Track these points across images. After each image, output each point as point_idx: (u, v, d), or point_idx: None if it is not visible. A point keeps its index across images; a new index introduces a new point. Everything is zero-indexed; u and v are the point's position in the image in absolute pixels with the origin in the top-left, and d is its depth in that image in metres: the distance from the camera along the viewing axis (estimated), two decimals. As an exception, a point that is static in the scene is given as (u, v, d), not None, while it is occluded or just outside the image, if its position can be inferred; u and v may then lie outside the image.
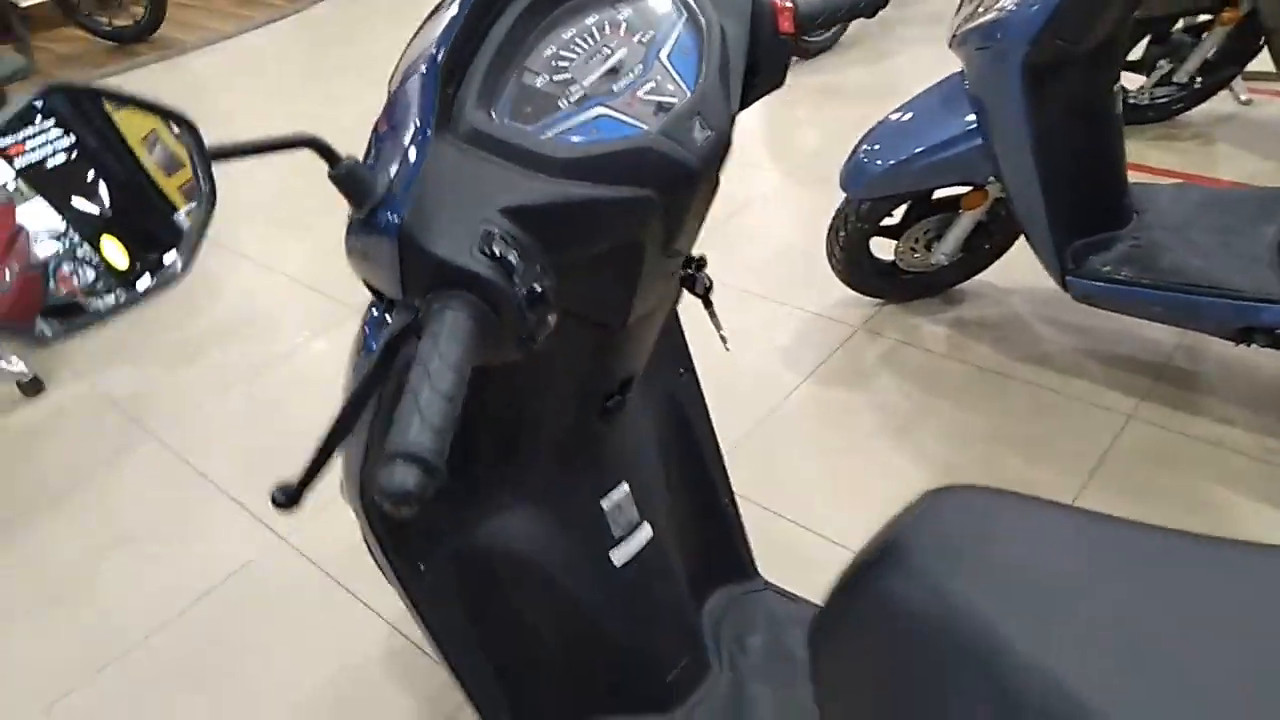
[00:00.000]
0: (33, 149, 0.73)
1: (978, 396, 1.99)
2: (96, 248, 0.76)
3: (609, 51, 0.71)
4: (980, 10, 1.68)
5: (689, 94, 0.70)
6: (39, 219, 0.74)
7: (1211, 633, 0.60)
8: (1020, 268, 2.11)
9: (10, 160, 0.70)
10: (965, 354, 2.11)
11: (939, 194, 2.07)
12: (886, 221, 2.10)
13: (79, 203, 0.76)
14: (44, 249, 0.75)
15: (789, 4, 0.79)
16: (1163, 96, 2.70)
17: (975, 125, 1.79)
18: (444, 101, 0.64)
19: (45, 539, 1.99)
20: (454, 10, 0.67)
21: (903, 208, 2.09)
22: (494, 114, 0.65)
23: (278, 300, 2.74)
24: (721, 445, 1.86)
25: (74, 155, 0.75)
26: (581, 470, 1.01)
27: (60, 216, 0.74)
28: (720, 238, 2.66)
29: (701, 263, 0.94)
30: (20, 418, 2.40)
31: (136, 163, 0.77)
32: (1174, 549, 0.67)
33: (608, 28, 0.72)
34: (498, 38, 0.67)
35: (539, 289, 0.61)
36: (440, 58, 0.63)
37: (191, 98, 4.48)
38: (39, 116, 0.63)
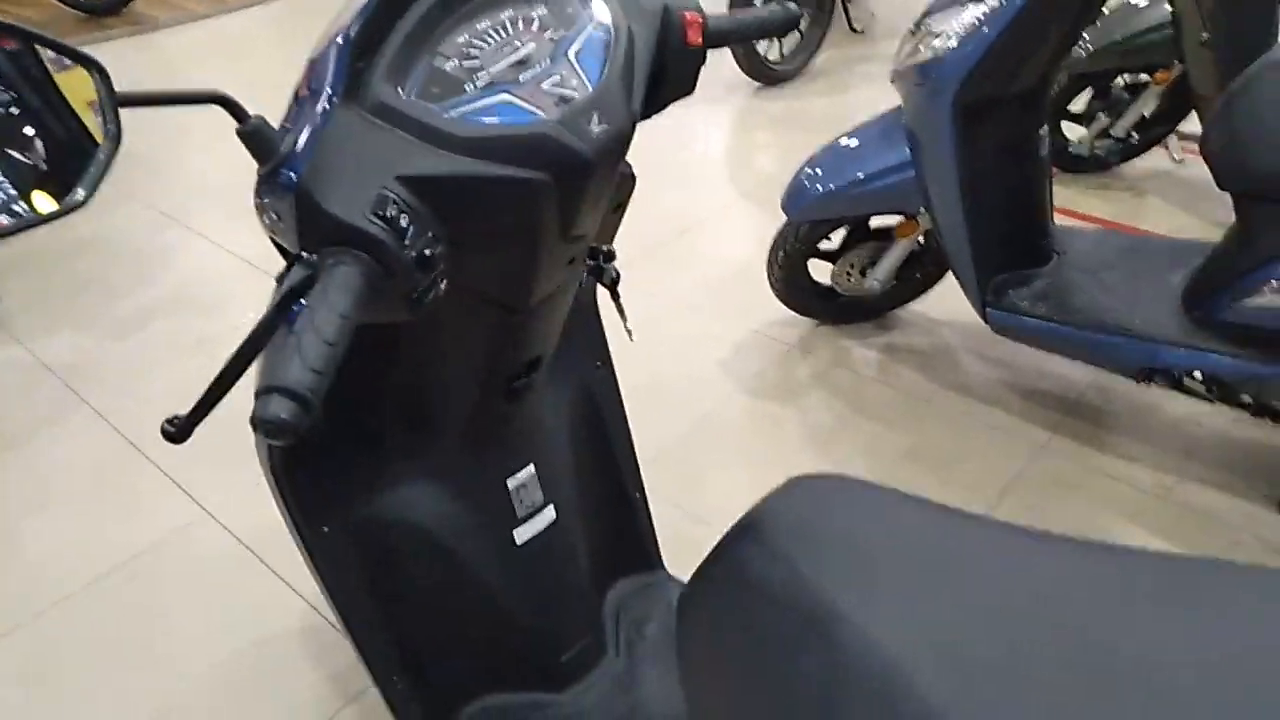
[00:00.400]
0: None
1: (900, 418, 2.07)
2: (27, 199, 0.79)
3: (519, 44, 0.76)
4: (919, 49, 1.77)
5: (590, 90, 0.75)
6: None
7: (1038, 620, 0.65)
8: (953, 298, 2.20)
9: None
10: (892, 378, 2.18)
11: (876, 222, 2.15)
12: (825, 245, 2.18)
13: (13, 154, 0.80)
14: None
15: (699, 18, 0.85)
16: (1100, 149, 2.82)
17: (910, 158, 1.88)
18: (354, 73, 0.69)
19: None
20: None
21: (841, 232, 2.17)
22: (401, 90, 0.70)
23: (227, 279, 2.75)
24: (649, 450, 1.91)
25: (11, 110, 0.78)
26: (488, 448, 1.05)
27: (-7, 167, 0.78)
28: (670, 252, 2.73)
29: (610, 255, 0.99)
30: (-47, 378, 2.39)
31: (81, 125, 0.81)
32: (1008, 540, 0.73)
33: (521, 23, 0.77)
34: (413, 19, 0.72)
35: (429, 254, 0.66)
36: (353, 33, 0.68)
37: (161, 75, 4.47)
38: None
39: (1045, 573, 0.68)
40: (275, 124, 0.73)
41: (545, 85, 0.74)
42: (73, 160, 0.78)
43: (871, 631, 0.66)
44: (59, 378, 2.34)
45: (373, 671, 1.07)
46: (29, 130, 0.81)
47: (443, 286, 0.68)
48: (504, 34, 0.76)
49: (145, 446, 2.09)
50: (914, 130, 1.85)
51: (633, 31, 0.79)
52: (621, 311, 1.13)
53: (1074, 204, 2.74)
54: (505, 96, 0.72)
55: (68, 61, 0.81)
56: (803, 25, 3.82)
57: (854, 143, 2.02)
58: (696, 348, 2.34)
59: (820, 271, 2.25)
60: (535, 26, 0.77)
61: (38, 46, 0.72)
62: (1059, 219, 2.03)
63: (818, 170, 2.03)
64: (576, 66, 0.76)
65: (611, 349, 1.23)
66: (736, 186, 3.14)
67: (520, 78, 0.74)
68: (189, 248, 2.90)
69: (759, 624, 0.73)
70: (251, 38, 4.85)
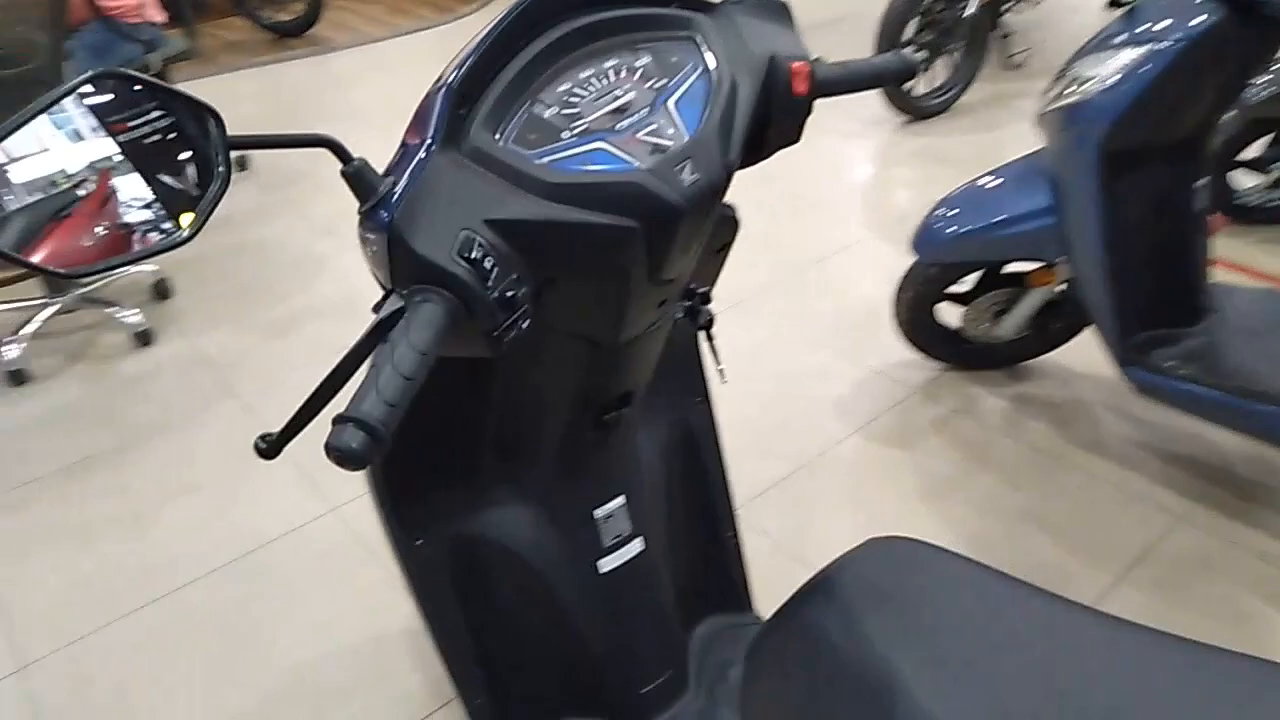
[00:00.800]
0: (134, 127, 0.85)
1: (1024, 475, 1.97)
2: (177, 222, 0.87)
3: (620, 93, 0.77)
4: (1066, 91, 1.69)
5: (686, 139, 0.76)
6: (133, 189, 0.86)
7: (1094, 710, 0.62)
8: (1094, 349, 2.08)
9: (115, 135, 0.82)
10: (1019, 431, 2.08)
11: (1012, 267, 2.06)
12: (955, 288, 2.10)
13: (167, 179, 0.88)
14: (134, 216, 0.86)
15: (806, 68, 0.84)
16: (1274, 200, 2.61)
17: (1051, 204, 1.79)
18: (455, 120, 0.72)
19: (130, 473, 2.17)
20: (480, 37, 0.75)
21: (973, 276, 2.10)
22: (499, 136, 0.73)
23: (371, 292, 2.89)
24: (759, 484, 1.88)
25: (169, 136, 0.86)
26: (578, 478, 1.07)
27: (150, 190, 0.86)
28: (797, 283, 2.70)
29: (706, 297, 1.00)
30: (129, 364, 2.62)
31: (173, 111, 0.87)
32: (1082, 624, 0.69)
33: (624, 71, 0.79)
34: (516, 68, 0.75)
35: (512, 295, 0.68)
36: (455, 81, 0.72)
37: (329, 88, 4.79)
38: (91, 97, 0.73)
39: (1110, 661, 0.65)
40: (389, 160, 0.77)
41: (642, 134, 0.75)
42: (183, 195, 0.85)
43: (927, 706, 0.64)
44: (216, 371, 2.53)
45: (456, 682, 1.10)
46: (182, 156, 0.89)
47: (525, 325, 0.71)
48: (606, 82, 0.78)
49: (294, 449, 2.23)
50: (1057, 176, 1.77)
51: (735, 82, 0.79)
52: (715, 353, 1.13)
53: (1241, 258, 2.54)
54: (600, 144, 0.74)
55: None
56: (954, 59, 3.72)
57: (992, 184, 1.95)
58: (816, 384, 2.30)
59: (950, 315, 2.18)
60: (638, 75, 0.79)
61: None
62: (1220, 273, 1.89)
63: (952, 211, 1.97)
64: (675, 116, 0.77)
65: (719, 382, 1.23)
66: (870, 221, 3.08)
67: (617, 126, 0.76)
68: (340, 259, 3.08)
69: (819, 685, 0.72)
70: (415, 59, 5.14)
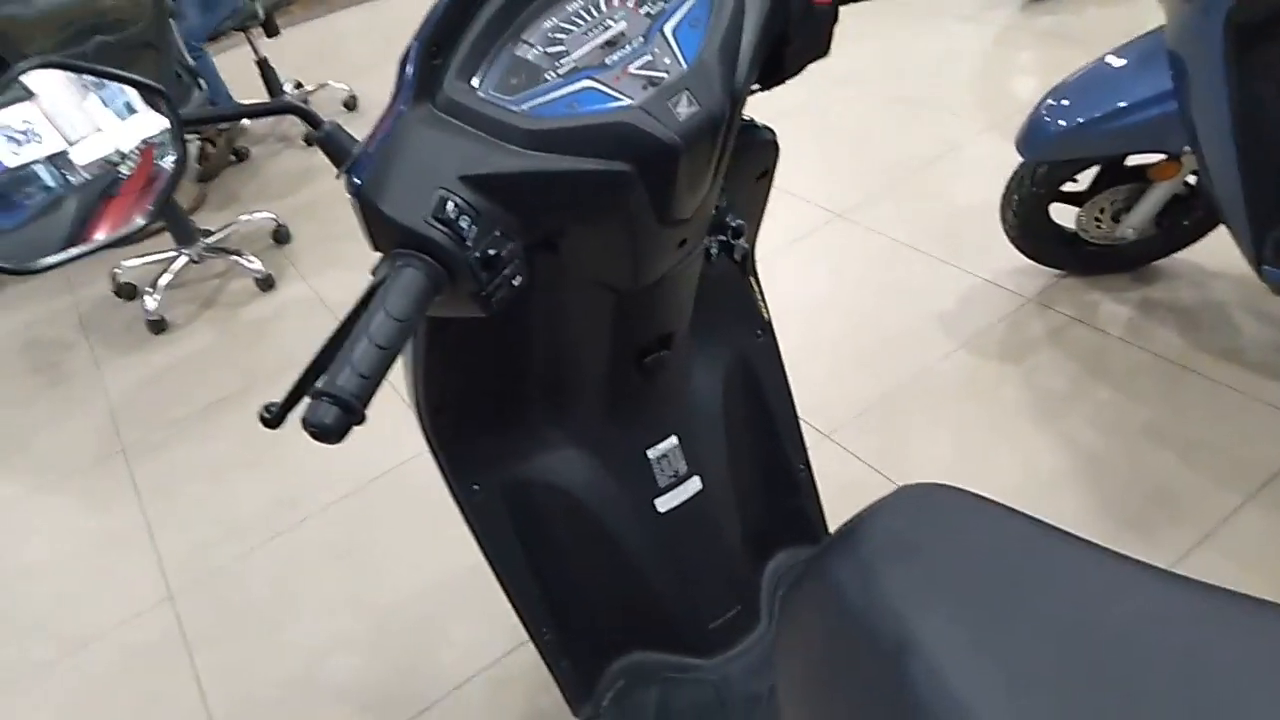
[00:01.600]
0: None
1: (1147, 386, 1.82)
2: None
3: (610, 24, 0.71)
4: (1189, -43, 1.49)
5: (683, 69, 0.70)
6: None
7: (1119, 656, 0.57)
8: (1225, 250, 1.88)
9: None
10: (1144, 339, 1.92)
11: (1133, 160, 1.87)
12: (1070, 187, 1.93)
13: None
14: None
15: (824, -25, 0.76)
16: None
17: (1172, 88, 1.61)
18: (428, 72, 0.67)
19: (256, 414, 2.32)
20: None
21: (1089, 172, 1.92)
22: (476, 84, 0.68)
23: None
24: (855, 403, 1.81)
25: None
26: (627, 420, 1.06)
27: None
28: (908, 188, 2.56)
29: (738, 230, 0.94)
30: (254, 309, 2.78)
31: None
32: (1130, 582, 0.63)
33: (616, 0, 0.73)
34: (494, 6, 0.69)
35: (495, 253, 0.65)
36: (427, 30, 0.67)
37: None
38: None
39: (1154, 620, 0.60)
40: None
41: (634, 67, 0.70)
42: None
43: (944, 668, 0.61)
44: (333, 313, 2.65)
45: (524, 622, 1.14)
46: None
47: (516, 283, 0.68)
48: (596, 13, 0.71)
49: (393, 378, 2.32)
50: (1178, 55, 1.58)
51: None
52: (760, 294, 1.07)
53: None
54: (587, 83, 0.69)
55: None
56: (1088, -77, 3.35)
57: (1106, 70, 1.76)
58: (918, 295, 2.19)
59: (1065, 215, 2.01)
60: (630, 2, 0.73)
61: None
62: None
63: (1062, 102, 1.79)
64: (672, 44, 0.71)
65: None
66: (985, 115, 2.85)
67: (607, 60, 0.70)
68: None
69: (837, 644, 0.70)
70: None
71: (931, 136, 2.77)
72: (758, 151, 0.94)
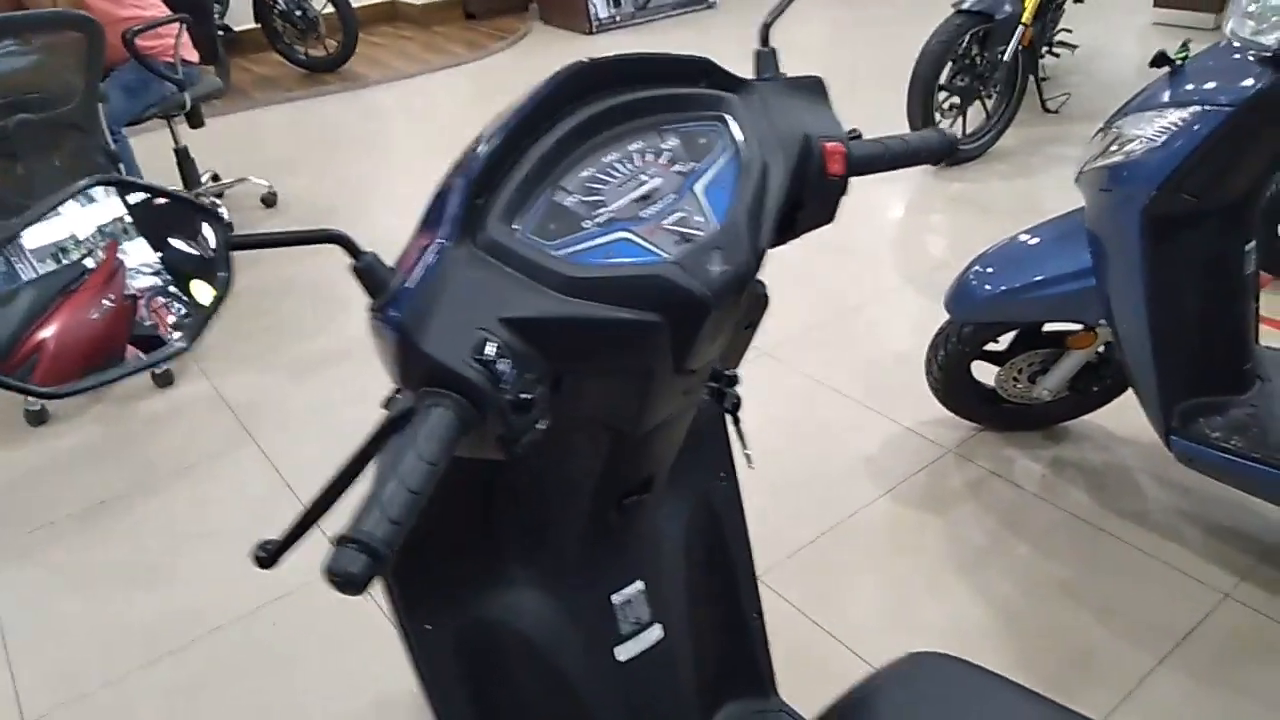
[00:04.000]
0: (141, 187, 0.82)
1: (1062, 543, 1.89)
2: (185, 288, 0.83)
3: (645, 179, 0.73)
4: (1109, 150, 1.64)
5: (715, 227, 0.71)
6: (140, 254, 0.83)
7: None
8: (1136, 415, 2.00)
9: (125, 198, 0.79)
10: (1057, 497, 2.01)
11: (1050, 326, 2.00)
12: (991, 347, 2.04)
13: (176, 243, 0.84)
14: (140, 282, 0.83)
15: (841, 148, 0.80)
16: (1323, 255, 2.52)
17: (1091, 264, 1.73)
18: (472, 211, 0.68)
19: (147, 517, 2.15)
20: (499, 124, 0.71)
21: (1009, 335, 2.03)
22: (517, 227, 0.69)
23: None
24: (783, 550, 1.81)
25: (168, 205, 0.83)
26: (596, 562, 1.02)
27: (157, 254, 0.83)
28: (825, 334, 2.65)
29: (733, 379, 0.95)
30: (149, 405, 2.62)
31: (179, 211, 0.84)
32: None
33: (649, 155, 0.75)
34: (536, 156, 0.71)
35: (528, 397, 0.64)
36: (475, 171, 0.68)
37: (362, 124, 4.82)
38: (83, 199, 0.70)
39: None
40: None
41: (668, 222, 0.71)
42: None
43: None
44: (235, 414, 2.51)
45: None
46: (190, 219, 0.85)
47: (541, 427, 0.66)
48: (631, 167, 0.74)
49: (300, 489, 2.20)
50: (1098, 237, 1.71)
51: (766, 164, 0.75)
52: (741, 437, 1.07)
53: (1286, 316, 2.46)
54: (623, 234, 0.70)
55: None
56: (989, 104, 3.67)
57: (1030, 243, 1.89)
58: (844, 440, 2.24)
59: (984, 373, 2.11)
60: (664, 160, 0.75)
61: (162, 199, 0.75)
62: (1267, 333, 1.81)
63: (988, 269, 1.91)
64: (703, 202, 0.73)
65: (754, 430, 1.17)
66: (902, 270, 3.02)
67: (642, 214, 0.71)
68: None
69: None
70: (447, 95, 5.17)
71: (856, 286, 2.90)
72: (751, 304, 0.95)
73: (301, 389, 2.62)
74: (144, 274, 0.83)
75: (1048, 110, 3.96)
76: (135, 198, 0.80)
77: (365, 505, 0.57)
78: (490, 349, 0.63)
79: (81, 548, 2.09)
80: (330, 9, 5.24)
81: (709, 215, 0.72)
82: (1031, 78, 3.77)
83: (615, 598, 1.04)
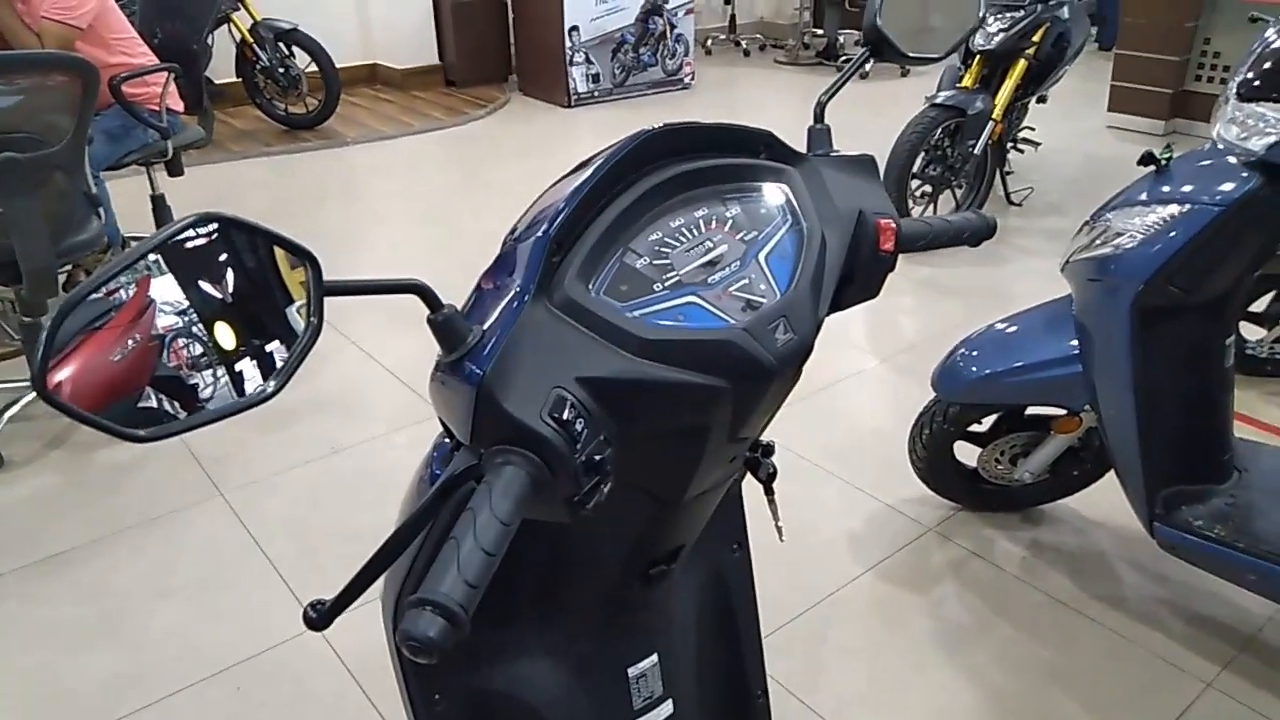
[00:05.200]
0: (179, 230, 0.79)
1: (1044, 627, 1.89)
2: (210, 329, 0.81)
3: (711, 245, 0.74)
4: (1097, 242, 1.69)
5: (779, 297, 0.72)
6: (167, 293, 0.80)
7: None
8: (1110, 500, 2.04)
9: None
10: (1038, 579, 2.02)
11: (1032, 410, 2.03)
12: (974, 428, 2.07)
13: (204, 285, 0.82)
14: (165, 321, 0.80)
15: (893, 225, 0.82)
16: (1281, 352, 2.62)
17: (1076, 351, 1.78)
18: (547, 269, 0.68)
19: (107, 571, 2.05)
20: (576, 185, 0.72)
21: (993, 417, 2.07)
22: (591, 288, 0.69)
23: (370, 389, 2.84)
24: (767, 625, 1.79)
25: (214, 239, 0.81)
26: (614, 634, 1.00)
27: (184, 294, 0.80)
28: (806, 411, 2.66)
29: (769, 449, 0.95)
30: (112, 454, 2.53)
31: (271, 255, 0.82)
32: None
33: (715, 222, 0.76)
34: (610, 218, 0.71)
35: (598, 458, 0.63)
36: (553, 231, 0.68)
37: (339, 181, 4.82)
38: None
39: None
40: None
41: (733, 289, 0.72)
42: (255, 290, 0.79)
43: None
44: (202, 467, 2.44)
45: None
46: (223, 257, 0.83)
47: (605, 490, 0.65)
48: (696, 233, 0.75)
49: (266, 545, 2.13)
50: (1084, 325, 1.76)
51: (825, 237, 0.76)
52: (775, 510, 1.07)
53: (1253, 411, 2.54)
54: (692, 299, 0.71)
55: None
56: (959, 194, 3.80)
57: (1017, 328, 1.94)
58: (826, 517, 2.24)
59: (965, 454, 2.14)
60: (728, 227, 0.76)
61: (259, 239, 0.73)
62: (1238, 428, 1.86)
63: (975, 351, 1.95)
64: (766, 271, 0.74)
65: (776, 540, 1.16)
66: (877, 350, 3.07)
67: (709, 279, 0.72)
68: (341, 353, 3.02)
69: None
70: (426, 158, 5.20)
71: (831, 365, 2.94)
72: None
73: (268, 442, 2.55)
74: (169, 313, 0.81)
75: (1012, 203, 4.10)
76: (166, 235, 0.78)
77: (439, 567, 0.55)
78: (568, 408, 0.62)
79: (33, 603, 1.98)
80: (313, 68, 5.28)
81: (773, 284, 0.73)
82: (998, 171, 3.91)
83: (631, 670, 1.01)
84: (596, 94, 6.14)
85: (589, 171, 0.72)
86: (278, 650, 1.83)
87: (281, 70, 5.29)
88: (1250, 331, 2.70)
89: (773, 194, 0.79)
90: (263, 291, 0.78)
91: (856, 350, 3.06)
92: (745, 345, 0.68)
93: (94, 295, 0.73)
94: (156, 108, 3.18)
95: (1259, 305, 2.66)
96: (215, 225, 0.64)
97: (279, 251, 0.77)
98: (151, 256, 0.76)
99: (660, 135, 0.74)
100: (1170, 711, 1.69)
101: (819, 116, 0.90)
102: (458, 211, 4.29)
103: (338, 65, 5.36)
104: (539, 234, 0.68)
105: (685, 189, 0.76)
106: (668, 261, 0.72)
